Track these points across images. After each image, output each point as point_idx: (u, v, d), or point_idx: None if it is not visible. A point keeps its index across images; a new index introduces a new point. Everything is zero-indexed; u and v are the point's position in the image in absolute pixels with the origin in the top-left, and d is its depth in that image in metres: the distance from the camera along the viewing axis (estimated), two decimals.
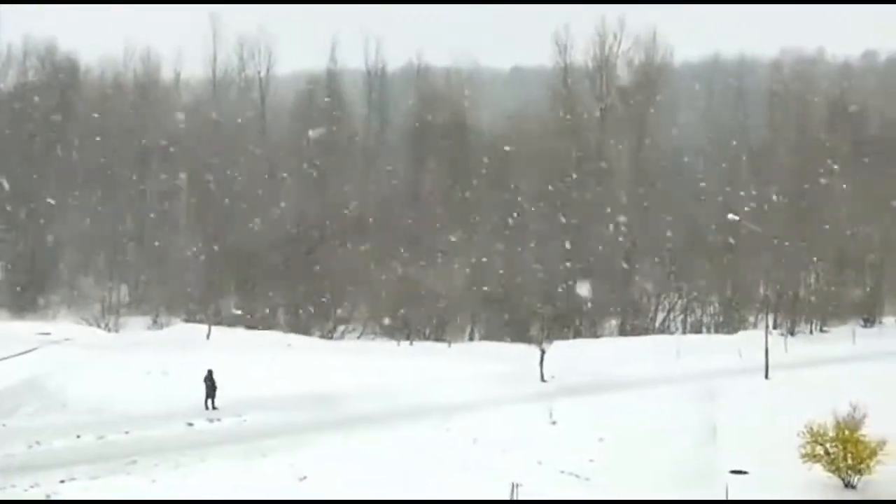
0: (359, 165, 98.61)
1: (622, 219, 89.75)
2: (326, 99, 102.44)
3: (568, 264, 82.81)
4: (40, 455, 35.43)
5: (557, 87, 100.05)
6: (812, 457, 34.19)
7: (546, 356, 54.84)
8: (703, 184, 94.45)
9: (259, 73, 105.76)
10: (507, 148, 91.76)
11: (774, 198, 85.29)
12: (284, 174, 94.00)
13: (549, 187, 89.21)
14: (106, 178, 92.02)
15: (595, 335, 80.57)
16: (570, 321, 79.90)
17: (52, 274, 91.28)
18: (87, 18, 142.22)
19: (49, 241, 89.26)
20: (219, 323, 75.58)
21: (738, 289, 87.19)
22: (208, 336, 70.43)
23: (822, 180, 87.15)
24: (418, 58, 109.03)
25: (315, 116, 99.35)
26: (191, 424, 41.07)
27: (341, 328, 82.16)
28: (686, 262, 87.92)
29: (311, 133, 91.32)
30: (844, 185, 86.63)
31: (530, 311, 73.46)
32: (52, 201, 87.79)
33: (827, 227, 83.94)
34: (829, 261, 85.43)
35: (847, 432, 34.03)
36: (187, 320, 79.14)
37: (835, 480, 33.92)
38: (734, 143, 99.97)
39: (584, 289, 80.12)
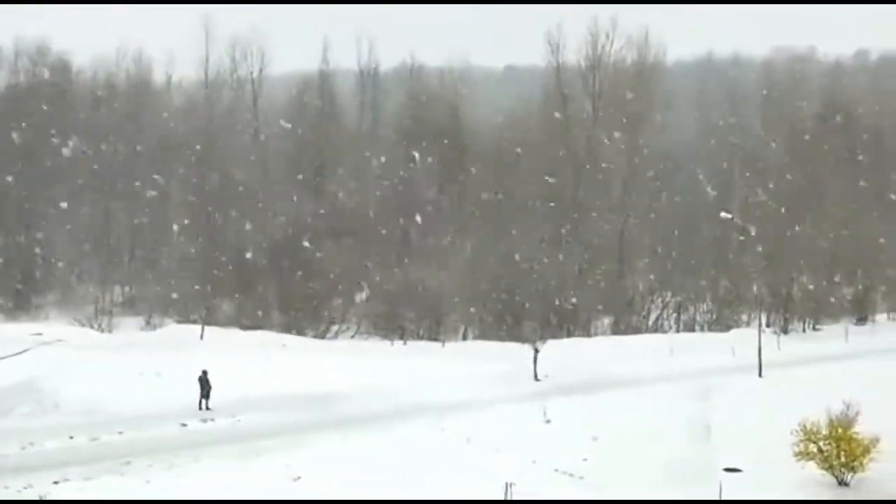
0: (352, 165, 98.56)
1: (615, 217, 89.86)
2: (317, 102, 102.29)
3: (561, 260, 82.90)
4: (33, 456, 35.39)
5: (550, 87, 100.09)
6: (805, 455, 34.27)
7: (540, 355, 54.85)
8: (695, 182, 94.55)
9: (252, 73, 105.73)
10: (500, 147, 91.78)
11: (767, 196, 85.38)
12: (277, 174, 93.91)
13: (543, 186, 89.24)
14: (99, 178, 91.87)
15: (588, 334, 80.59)
16: (563, 320, 79.87)
17: (44, 275, 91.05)
18: (79, 19, 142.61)
19: (41, 241, 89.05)
20: (212, 323, 75.47)
21: (731, 287, 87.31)
22: (202, 336, 70.29)
23: (815, 178, 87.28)
24: (411, 57, 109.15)
25: (308, 117, 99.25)
26: (184, 425, 41.03)
27: (335, 328, 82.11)
28: (679, 260, 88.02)
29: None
30: (837, 183, 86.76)
31: (524, 310, 73.43)
32: (45, 202, 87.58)
33: (820, 224, 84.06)
34: (822, 259, 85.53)
35: (840, 430, 34.12)
36: (180, 321, 79.01)
37: (828, 478, 34.00)
38: (727, 141, 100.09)
39: None
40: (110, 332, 77.80)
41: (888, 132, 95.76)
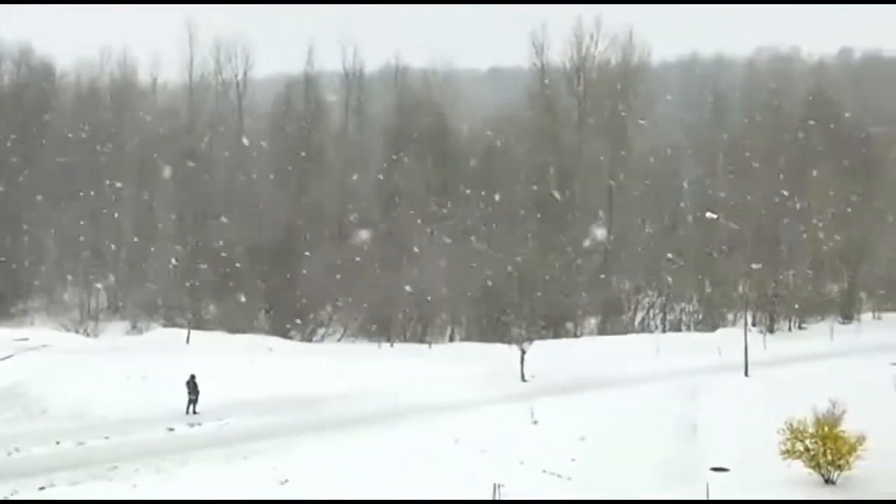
0: (337, 167, 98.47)
1: (601, 217, 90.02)
2: (302, 105, 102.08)
3: (547, 261, 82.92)
4: (20, 462, 35.28)
5: (535, 88, 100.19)
6: (792, 453, 34.38)
7: (526, 356, 54.88)
8: (681, 182, 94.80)
9: (236, 76, 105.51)
10: (485, 149, 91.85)
11: (752, 195, 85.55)
12: (262, 177, 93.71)
13: (529, 187, 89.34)
14: (83, 182, 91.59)
15: (575, 334, 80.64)
16: (550, 321, 79.89)
17: (29, 280, 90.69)
18: (62, 22, 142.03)
19: (26, 246, 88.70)
20: (198, 327, 75.31)
21: (716, 286, 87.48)
22: (188, 340, 70.14)
23: (800, 177, 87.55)
24: (396, 59, 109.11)
25: (293, 119, 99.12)
26: (171, 429, 40.94)
27: (322, 331, 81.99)
28: (665, 260, 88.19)
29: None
30: (822, 182, 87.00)
31: (511, 311, 73.44)
32: (29, 206, 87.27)
33: (805, 223, 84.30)
34: (807, 258, 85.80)
35: (826, 428, 34.25)
36: (166, 325, 78.85)
37: (815, 476, 34.13)
38: (712, 141, 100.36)
39: None
40: (96, 336, 77.53)
41: (872, 130, 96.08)
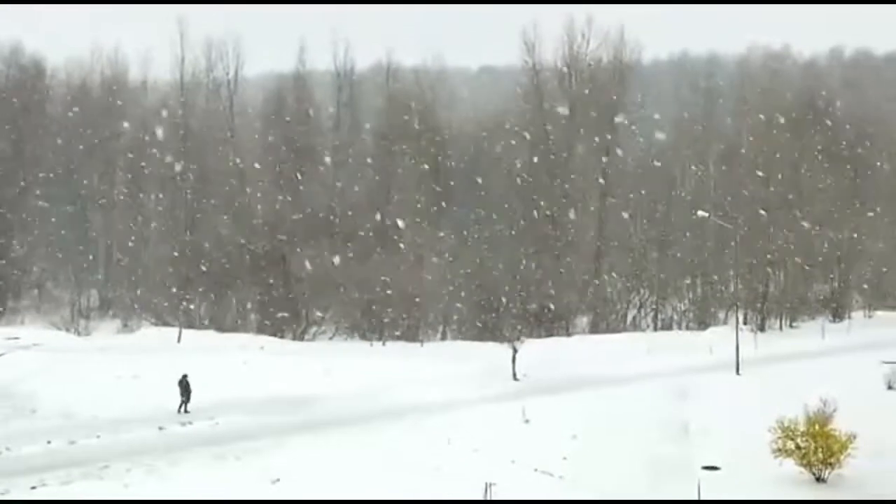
0: (329, 166, 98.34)
1: (593, 216, 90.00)
2: (293, 103, 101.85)
3: (539, 259, 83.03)
4: (11, 461, 35.19)
5: (526, 86, 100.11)
6: (783, 451, 34.44)
7: (518, 355, 54.92)
8: (672, 180, 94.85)
9: (227, 74, 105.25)
10: (477, 147, 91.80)
11: (743, 194, 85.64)
12: (254, 175, 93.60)
13: (520, 185, 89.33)
14: (74, 181, 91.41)
15: (567, 333, 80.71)
16: (541, 319, 79.96)
17: (20, 279, 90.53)
18: (52, 21, 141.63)
19: (17, 245, 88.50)
20: (189, 326, 75.24)
21: (708, 285, 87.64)
22: (179, 339, 70.14)
23: (791, 175, 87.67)
24: (388, 57, 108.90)
25: (284, 117, 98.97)
26: (162, 428, 40.89)
27: (313, 329, 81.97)
28: (657, 258, 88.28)
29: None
30: (813, 180, 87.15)
31: (502, 310, 73.51)
32: (19, 205, 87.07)
33: (796, 222, 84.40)
34: (799, 256, 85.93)
35: (818, 427, 34.33)
36: (157, 324, 78.77)
37: (806, 475, 34.20)
38: (703, 139, 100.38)
39: None
40: (87, 335, 77.50)
41: (863, 129, 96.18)
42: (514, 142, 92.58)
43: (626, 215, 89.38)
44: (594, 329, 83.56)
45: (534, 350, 58.99)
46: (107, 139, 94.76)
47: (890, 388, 49.92)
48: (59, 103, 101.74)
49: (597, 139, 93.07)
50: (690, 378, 52.87)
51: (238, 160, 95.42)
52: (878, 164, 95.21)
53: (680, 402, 47.37)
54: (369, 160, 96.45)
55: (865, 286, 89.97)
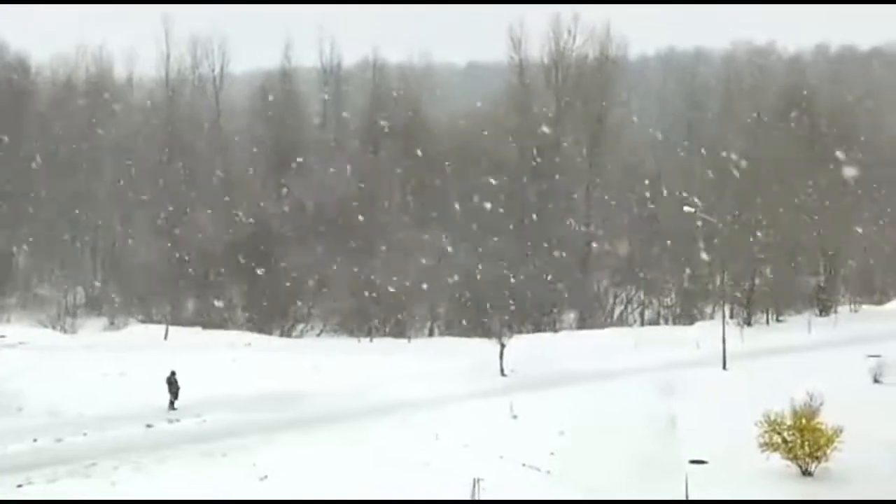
0: (315, 163, 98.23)
1: (580, 212, 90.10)
2: (279, 100, 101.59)
3: (525, 255, 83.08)
4: None
5: (513, 82, 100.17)
6: (770, 445, 34.56)
7: (506, 350, 54.95)
8: (659, 176, 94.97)
9: (213, 71, 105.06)
10: (463, 143, 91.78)
11: (729, 188, 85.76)
12: (240, 172, 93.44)
13: (507, 182, 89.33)
14: (60, 178, 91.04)
15: (554, 329, 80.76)
16: (528, 315, 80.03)
17: (6, 276, 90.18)
18: (37, 18, 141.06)
19: (2, 243, 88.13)
20: (176, 323, 75.06)
21: (694, 280, 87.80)
22: (166, 336, 69.98)
23: (777, 170, 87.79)
24: (374, 54, 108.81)
25: (270, 114, 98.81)
26: (150, 426, 40.81)
27: (301, 326, 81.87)
28: (643, 254, 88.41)
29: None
30: (799, 175, 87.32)
31: (490, 306, 73.54)
32: (4, 203, 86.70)
33: (782, 216, 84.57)
34: (785, 250, 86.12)
35: (804, 421, 34.46)
36: (144, 321, 78.58)
37: (792, 468, 34.33)
38: (689, 135, 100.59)
39: None
40: (74, 333, 77.20)
41: (848, 124, 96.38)
42: (500, 137, 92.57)
43: (612, 208, 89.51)
44: (581, 324, 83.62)
45: (521, 346, 59.10)
46: (92, 136, 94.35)
47: (876, 381, 50.13)
48: (45, 100, 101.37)
49: (583, 134, 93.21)
50: (677, 373, 52.87)
51: (224, 157, 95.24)
52: (863, 157, 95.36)
53: (667, 396, 47.36)
54: (356, 156, 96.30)
55: (853, 281, 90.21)
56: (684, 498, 31.06)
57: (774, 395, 37.20)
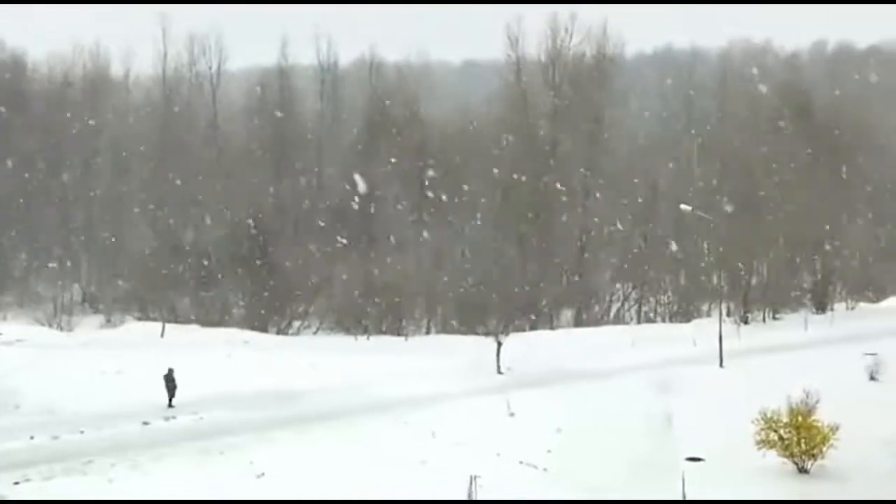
0: (312, 160, 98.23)
1: (577, 210, 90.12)
2: (276, 98, 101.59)
3: (523, 253, 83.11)
4: None
5: (510, 81, 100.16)
6: (766, 443, 34.62)
7: (502, 348, 54.95)
8: (656, 174, 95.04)
9: (210, 68, 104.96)
10: (460, 141, 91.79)
11: (725, 186, 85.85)
12: (237, 169, 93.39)
13: (504, 180, 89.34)
14: (56, 176, 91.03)
15: (551, 326, 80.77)
16: (525, 313, 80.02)
17: (3, 274, 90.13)
18: (33, 16, 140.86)
19: None
20: (173, 321, 75.03)
21: (691, 278, 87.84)
22: (162, 334, 69.93)
23: (774, 167, 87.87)
24: (371, 52, 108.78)
25: (267, 112, 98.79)
26: (147, 423, 40.78)
27: (298, 324, 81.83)
28: (640, 252, 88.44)
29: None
30: (796, 172, 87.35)
31: (486, 304, 73.54)
32: (1, 199, 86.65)
33: (779, 214, 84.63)
34: (781, 248, 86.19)
35: (800, 418, 34.53)
36: (141, 318, 78.54)
37: (789, 465, 34.38)
38: (686, 132, 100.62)
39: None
40: (70, 330, 77.17)
41: (845, 121, 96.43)
42: (496, 135, 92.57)
43: (609, 208, 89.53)
44: (578, 322, 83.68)
45: (518, 344, 59.02)
46: (89, 133, 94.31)
47: (872, 379, 50.20)
48: (41, 97, 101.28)
49: (580, 132, 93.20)
50: (674, 370, 52.87)
51: (221, 154, 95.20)
52: (860, 155, 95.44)
53: (664, 394, 47.37)
54: (352, 154, 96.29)
55: (849, 279, 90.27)
56: (681, 496, 31.08)
57: (771, 392, 37.25)
